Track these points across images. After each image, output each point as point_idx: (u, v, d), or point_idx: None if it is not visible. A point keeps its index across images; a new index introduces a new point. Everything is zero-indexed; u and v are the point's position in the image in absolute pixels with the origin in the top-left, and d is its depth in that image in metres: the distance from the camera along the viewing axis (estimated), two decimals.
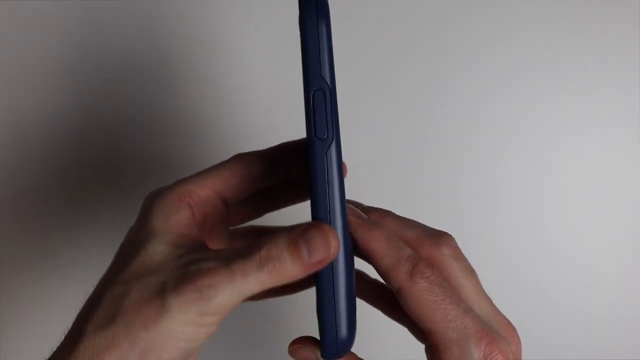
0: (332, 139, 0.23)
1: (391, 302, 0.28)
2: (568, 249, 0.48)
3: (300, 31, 0.22)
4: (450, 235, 0.26)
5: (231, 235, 0.30)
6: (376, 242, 0.24)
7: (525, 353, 0.46)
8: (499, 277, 0.48)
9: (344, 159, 0.47)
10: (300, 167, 0.28)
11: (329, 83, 0.22)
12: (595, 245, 0.48)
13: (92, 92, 0.45)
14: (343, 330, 0.23)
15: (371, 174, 0.47)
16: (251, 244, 0.23)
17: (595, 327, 0.49)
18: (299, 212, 0.30)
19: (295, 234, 0.22)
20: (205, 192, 0.26)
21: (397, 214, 0.27)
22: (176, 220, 0.25)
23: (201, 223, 0.27)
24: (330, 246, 0.22)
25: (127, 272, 0.23)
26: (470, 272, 0.26)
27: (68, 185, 0.46)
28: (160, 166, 0.46)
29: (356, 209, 0.26)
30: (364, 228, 0.25)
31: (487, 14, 0.47)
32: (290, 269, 0.22)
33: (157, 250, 0.23)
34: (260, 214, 0.31)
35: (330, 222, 0.23)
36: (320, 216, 0.23)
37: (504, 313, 0.26)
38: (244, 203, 0.29)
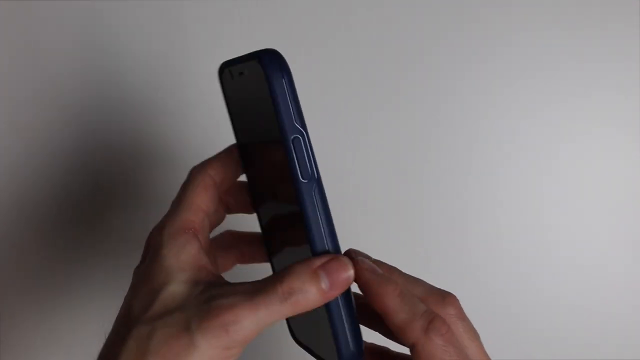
0: (316, 178, 0.24)
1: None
2: (569, 249, 0.48)
3: (269, 89, 0.24)
4: (455, 296, 0.26)
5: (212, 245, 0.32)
6: (391, 297, 0.25)
7: (526, 352, 0.46)
8: (501, 275, 0.48)
9: (350, 160, 0.47)
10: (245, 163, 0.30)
11: (302, 129, 0.24)
12: (595, 245, 0.48)
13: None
14: (351, 344, 0.25)
15: (373, 174, 0.47)
16: (268, 278, 0.24)
17: (595, 327, 0.49)
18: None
19: (316, 266, 0.24)
20: (200, 215, 0.27)
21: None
22: (187, 254, 0.26)
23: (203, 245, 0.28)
24: (350, 277, 0.24)
25: (150, 314, 0.24)
26: (474, 333, 0.26)
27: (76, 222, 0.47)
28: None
29: (372, 264, 0.26)
30: (379, 282, 0.25)
31: (488, 17, 0.47)
32: (311, 299, 0.23)
33: (177, 290, 0.25)
34: (222, 218, 0.32)
35: (326, 248, 0.25)
36: (317, 246, 0.25)
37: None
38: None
